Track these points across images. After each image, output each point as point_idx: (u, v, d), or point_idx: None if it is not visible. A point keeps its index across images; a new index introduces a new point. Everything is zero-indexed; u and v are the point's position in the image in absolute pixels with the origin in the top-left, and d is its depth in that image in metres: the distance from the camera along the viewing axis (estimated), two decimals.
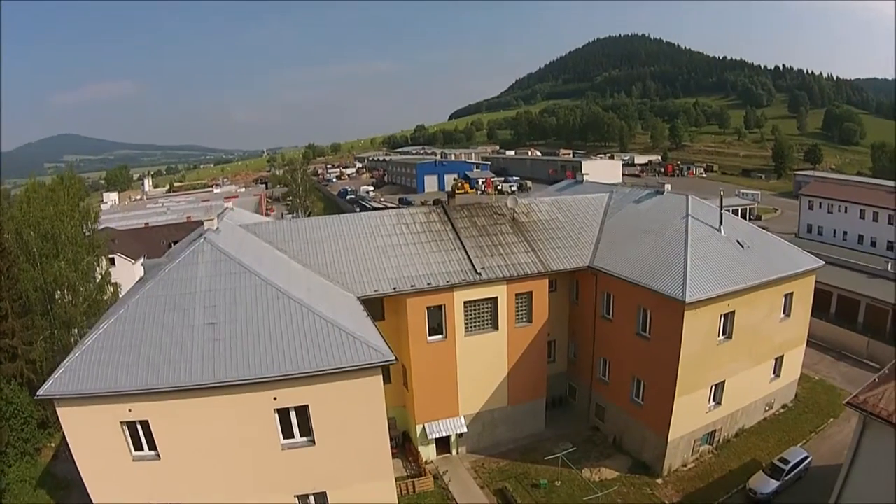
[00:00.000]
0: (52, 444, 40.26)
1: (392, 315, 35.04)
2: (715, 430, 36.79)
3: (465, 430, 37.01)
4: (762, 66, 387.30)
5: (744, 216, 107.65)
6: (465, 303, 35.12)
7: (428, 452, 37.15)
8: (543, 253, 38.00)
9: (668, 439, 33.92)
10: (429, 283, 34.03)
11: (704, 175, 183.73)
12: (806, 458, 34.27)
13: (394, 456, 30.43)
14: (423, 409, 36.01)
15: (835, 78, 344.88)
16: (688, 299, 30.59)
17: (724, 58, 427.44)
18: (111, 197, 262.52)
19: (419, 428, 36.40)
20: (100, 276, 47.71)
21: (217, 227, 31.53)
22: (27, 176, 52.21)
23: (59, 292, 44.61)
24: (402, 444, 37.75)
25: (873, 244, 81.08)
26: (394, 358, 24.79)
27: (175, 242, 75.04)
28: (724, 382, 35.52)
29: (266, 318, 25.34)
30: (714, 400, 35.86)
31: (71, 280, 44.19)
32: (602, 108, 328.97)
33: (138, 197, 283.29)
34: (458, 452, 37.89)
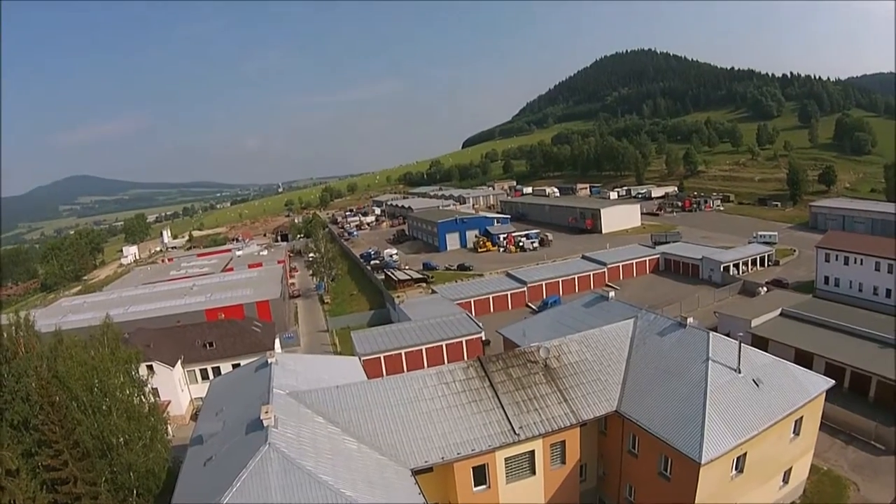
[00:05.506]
0: None
1: (441, 468, 38.32)
2: None
3: None
4: (770, 75, 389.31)
5: (763, 263, 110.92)
6: (505, 459, 38.80)
7: None
8: (575, 402, 41.28)
9: None
10: (473, 449, 37.58)
11: (721, 207, 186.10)
12: None
13: None
14: None
15: (842, 80, 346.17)
16: (703, 461, 34.12)
17: (732, 68, 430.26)
18: (131, 250, 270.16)
19: None
20: (148, 409, 48.85)
21: (274, 421, 33.95)
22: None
23: (114, 439, 45.34)
24: None
25: (888, 294, 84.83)
26: None
27: (210, 344, 79.04)
28: None
29: None
30: None
31: (125, 430, 45.20)
32: (614, 135, 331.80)
33: (158, 248, 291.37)
34: None
